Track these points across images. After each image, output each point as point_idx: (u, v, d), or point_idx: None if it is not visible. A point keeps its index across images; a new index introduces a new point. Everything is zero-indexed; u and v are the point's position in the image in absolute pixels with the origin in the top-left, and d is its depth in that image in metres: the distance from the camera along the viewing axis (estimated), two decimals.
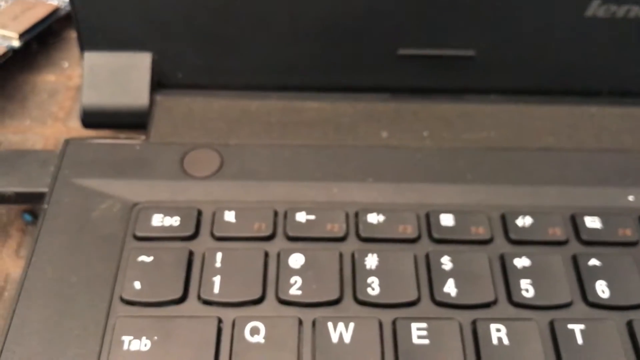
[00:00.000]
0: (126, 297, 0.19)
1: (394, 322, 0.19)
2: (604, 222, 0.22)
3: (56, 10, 0.31)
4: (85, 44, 0.25)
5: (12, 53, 0.29)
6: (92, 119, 0.25)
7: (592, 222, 0.22)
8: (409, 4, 0.24)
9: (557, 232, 0.21)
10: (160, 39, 0.25)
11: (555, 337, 0.19)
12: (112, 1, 0.24)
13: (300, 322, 0.19)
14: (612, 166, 0.24)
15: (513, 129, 0.25)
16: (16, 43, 0.29)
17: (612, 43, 0.25)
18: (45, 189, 0.22)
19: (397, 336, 0.19)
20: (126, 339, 0.18)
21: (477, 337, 0.19)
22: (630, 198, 0.23)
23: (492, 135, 0.25)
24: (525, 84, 0.26)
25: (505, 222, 0.22)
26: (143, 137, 0.24)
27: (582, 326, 0.19)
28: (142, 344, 0.18)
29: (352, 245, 0.21)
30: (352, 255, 0.21)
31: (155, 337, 0.18)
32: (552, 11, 0.24)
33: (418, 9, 0.24)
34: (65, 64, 0.31)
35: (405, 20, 0.24)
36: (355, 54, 0.25)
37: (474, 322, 0.19)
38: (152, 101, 0.25)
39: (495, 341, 0.19)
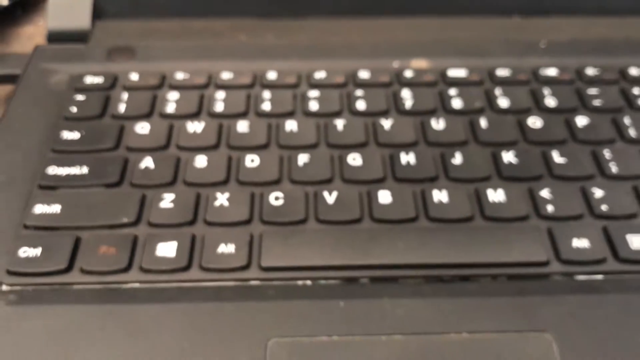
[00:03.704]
0: (67, 115, 0.32)
1: None
2: (372, 74, 0.34)
3: None
4: None
5: (3, 9, 0.42)
6: (54, 37, 0.38)
7: (364, 74, 0.34)
8: None
9: (339, 79, 0.34)
10: None
11: None
12: None
13: None
14: (391, 46, 0.36)
15: (325, 36, 0.38)
16: (4, 2, 0.42)
17: None
18: (20, 70, 0.35)
19: None
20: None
21: None
22: (395, 64, 0.36)
23: (312, 39, 0.38)
24: (339, 9, 0.39)
25: (309, 77, 0.34)
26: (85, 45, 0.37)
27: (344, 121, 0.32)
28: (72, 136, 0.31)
29: (212, 90, 0.34)
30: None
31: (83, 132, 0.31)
32: None
33: None
34: (41, 21, 0.44)
35: None
36: None
37: None
38: (93, 25, 0.38)
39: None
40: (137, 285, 0.26)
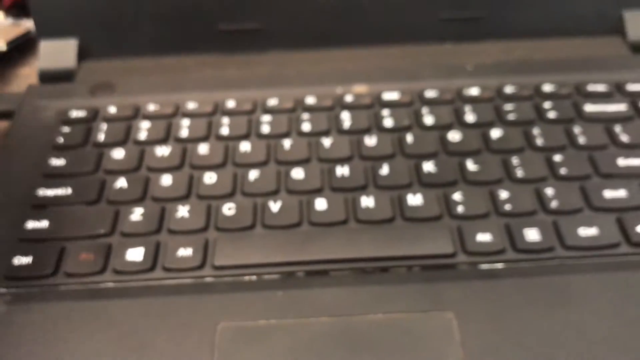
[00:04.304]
0: (55, 144, 0.37)
1: None
2: (317, 100, 0.40)
3: (30, 32, 0.51)
4: (40, 35, 0.44)
5: (2, 54, 0.48)
6: (45, 76, 0.44)
7: (311, 100, 0.40)
8: None
9: (289, 105, 0.39)
10: (83, 30, 0.44)
11: None
12: (55, 10, 0.43)
13: None
14: (336, 74, 0.42)
15: (279, 67, 0.43)
16: (3, 47, 0.48)
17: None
18: (15, 107, 0.41)
19: None
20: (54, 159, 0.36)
21: None
22: (338, 90, 0.41)
23: (268, 71, 0.43)
24: (292, 44, 0.44)
25: (263, 103, 0.40)
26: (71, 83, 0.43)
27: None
28: (59, 162, 0.36)
29: (178, 119, 0.39)
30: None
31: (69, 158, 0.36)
32: None
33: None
34: (36, 63, 0.50)
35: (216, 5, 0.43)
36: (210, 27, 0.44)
37: None
38: (78, 66, 0.44)
39: None
40: (111, 284, 0.31)
